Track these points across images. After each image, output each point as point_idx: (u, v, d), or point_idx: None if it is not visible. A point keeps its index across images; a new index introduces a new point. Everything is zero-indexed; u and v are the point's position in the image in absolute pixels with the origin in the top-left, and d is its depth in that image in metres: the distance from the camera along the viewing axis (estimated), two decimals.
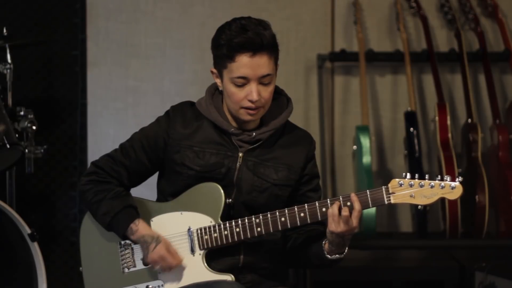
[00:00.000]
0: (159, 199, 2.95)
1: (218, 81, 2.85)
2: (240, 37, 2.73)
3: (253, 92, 2.75)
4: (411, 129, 4.74)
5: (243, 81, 2.76)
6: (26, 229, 3.50)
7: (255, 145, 2.85)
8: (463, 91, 4.83)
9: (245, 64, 2.73)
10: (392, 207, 5.01)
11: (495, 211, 4.64)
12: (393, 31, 5.01)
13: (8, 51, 3.98)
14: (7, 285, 3.59)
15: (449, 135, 4.69)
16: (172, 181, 2.89)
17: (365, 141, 4.66)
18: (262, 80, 2.76)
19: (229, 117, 2.86)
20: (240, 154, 2.84)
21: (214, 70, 2.84)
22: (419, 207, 4.61)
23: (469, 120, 4.76)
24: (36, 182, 4.79)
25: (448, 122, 4.69)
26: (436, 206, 4.77)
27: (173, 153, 2.86)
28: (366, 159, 4.65)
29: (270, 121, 2.86)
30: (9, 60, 3.98)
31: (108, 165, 2.91)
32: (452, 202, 4.54)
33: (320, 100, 4.95)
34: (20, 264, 3.55)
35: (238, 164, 2.84)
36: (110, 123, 4.91)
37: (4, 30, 3.99)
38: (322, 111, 4.95)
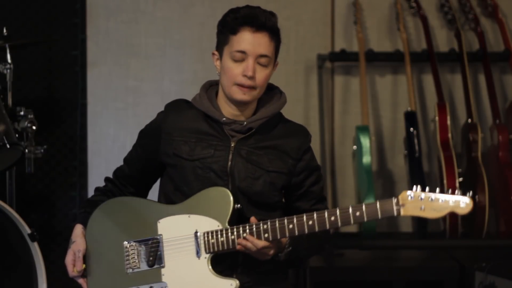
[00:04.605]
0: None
1: (217, 63, 2.89)
2: (246, 11, 2.83)
3: (250, 67, 2.80)
4: (411, 129, 4.74)
5: (242, 56, 2.81)
6: (26, 229, 3.50)
7: (247, 134, 2.87)
8: (463, 91, 4.83)
9: (246, 38, 2.81)
10: None
11: (495, 211, 4.64)
12: (393, 31, 5.01)
13: (8, 51, 3.98)
14: (7, 285, 3.59)
15: (449, 135, 4.70)
16: (170, 177, 2.91)
17: (365, 141, 4.66)
18: (260, 60, 2.82)
19: (221, 107, 2.89)
20: (232, 144, 2.87)
21: (216, 52, 2.90)
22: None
23: (469, 120, 4.76)
24: (36, 182, 4.80)
25: (448, 122, 4.69)
26: None
27: (166, 146, 2.90)
28: (366, 159, 4.65)
29: (262, 111, 2.90)
30: (9, 60, 3.99)
31: (120, 167, 3.04)
32: None
33: (320, 100, 4.96)
34: (20, 264, 3.56)
35: (230, 153, 2.86)
36: (110, 123, 4.92)
37: (4, 30, 3.99)
38: (322, 111, 4.95)
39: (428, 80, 4.97)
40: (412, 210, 2.70)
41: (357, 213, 2.71)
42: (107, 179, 3.05)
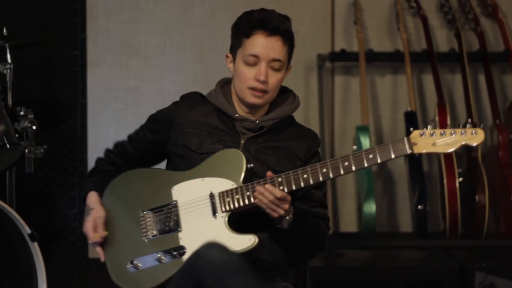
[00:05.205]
0: None
1: (230, 66, 2.92)
2: (260, 15, 2.85)
3: (262, 71, 2.83)
4: (411, 129, 4.72)
5: (255, 60, 2.84)
6: (26, 229, 3.50)
7: (258, 133, 2.89)
8: (463, 91, 4.83)
9: (259, 42, 2.83)
10: (392, 206, 5.01)
11: (495, 211, 4.64)
12: (393, 31, 5.01)
13: (8, 51, 3.97)
14: (7, 285, 3.59)
15: None
16: (176, 167, 2.93)
17: (365, 141, 4.66)
18: (272, 64, 2.85)
19: (236, 105, 2.92)
20: (242, 141, 2.89)
21: (229, 55, 2.93)
22: (419, 207, 4.61)
23: (469, 120, 4.76)
24: (36, 182, 4.80)
25: (448, 122, 4.69)
26: (436, 206, 4.77)
27: (177, 136, 2.93)
28: None
29: (275, 111, 2.93)
30: (9, 60, 3.97)
31: (122, 142, 3.06)
32: (452, 202, 4.54)
33: (320, 100, 4.95)
34: (20, 264, 3.55)
35: (239, 150, 2.87)
36: (110, 123, 4.91)
37: (4, 30, 3.98)
38: (322, 111, 4.95)
39: (428, 80, 4.97)
40: (425, 147, 2.70)
41: (370, 156, 2.72)
42: (108, 151, 3.06)
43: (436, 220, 4.82)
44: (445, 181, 4.59)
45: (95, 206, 2.93)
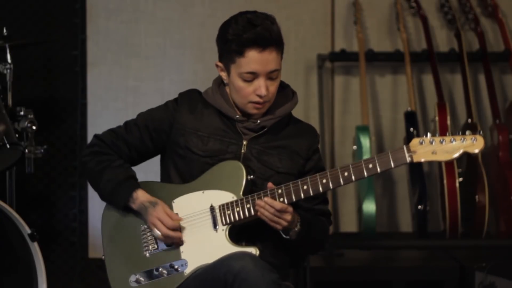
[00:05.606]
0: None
1: (223, 74, 2.88)
2: (249, 32, 2.76)
3: (262, 87, 2.79)
4: (411, 129, 4.74)
5: (252, 76, 2.80)
6: (26, 229, 3.50)
7: (259, 133, 2.88)
8: (463, 91, 4.83)
9: (254, 59, 2.77)
10: (392, 206, 5.01)
11: (495, 211, 4.64)
12: (393, 31, 5.01)
13: (8, 51, 3.97)
14: (7, 285, 3.59)
15: None
16: (176, 166, 2.92)
17: (365, 141, 4.66)
18: (270, 75, 2.81)
19: (234, 106, 2.90)
20: (244, 142, 2.88)
21: (220, 64, 2.88)
22: (419, 207, 4.61)
23: (469, 120, 4.76)
24: (36, 182, 4.80)
25: (448, 122, 4.69)
26: (436, 206, 4.77)
27: (178, 136, 2.90)
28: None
29: (275, 110, 2.90)
30: (9, 60, 3.97)
31: (110, 139, 2.96)
32: (452, 202, 4.54)
33: (320, 100, 4.95)
34: (20, 264, 3.55)
35: (242, 152, 2.87)
36: (110, 123, 4.83)
37: (4, 30, 3.99)
38: (322, 111, 4.95)
39: (428, 80, 4.97)
40: (424, 155, 2.66)
41: (370, 165, 2.70)
42: (101, 146, 2.94)
43: (436, 220, 4.82)
44: (445, 181, 4.59)
45: (157, 201, 2.84)
